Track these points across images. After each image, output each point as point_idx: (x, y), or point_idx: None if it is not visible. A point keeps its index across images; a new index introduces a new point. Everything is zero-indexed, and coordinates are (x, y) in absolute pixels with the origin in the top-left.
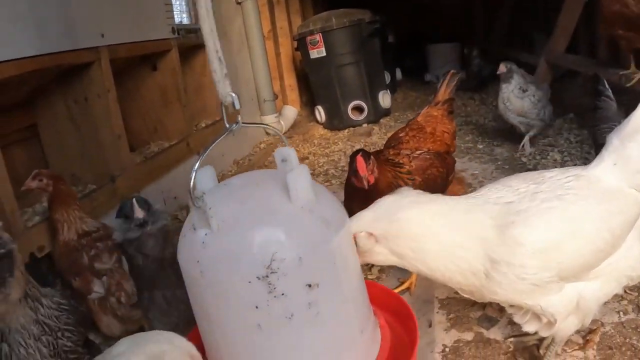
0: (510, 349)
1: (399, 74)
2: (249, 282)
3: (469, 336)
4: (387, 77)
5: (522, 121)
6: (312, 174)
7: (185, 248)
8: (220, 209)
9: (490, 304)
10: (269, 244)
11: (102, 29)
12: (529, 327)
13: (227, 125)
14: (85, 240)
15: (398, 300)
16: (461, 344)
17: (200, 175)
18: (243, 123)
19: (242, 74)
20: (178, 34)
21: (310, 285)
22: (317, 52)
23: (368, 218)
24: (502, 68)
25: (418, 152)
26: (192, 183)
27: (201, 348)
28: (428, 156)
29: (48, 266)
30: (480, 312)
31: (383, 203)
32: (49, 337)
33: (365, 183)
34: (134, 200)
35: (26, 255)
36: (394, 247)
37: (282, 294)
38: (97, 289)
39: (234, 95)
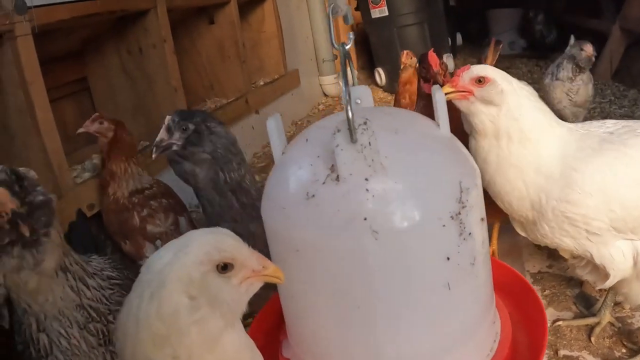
0: (616, 332)
1: (459, 38)
2: (443, 225)
3: (567, 315)
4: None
5: (576, 112)
6: None
7: (329, 208)
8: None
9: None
10: (454, 173)
11: None
12: (589, 277)
13: (335, 45)
14: (137, 198)
15: (516, 279)
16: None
17: (272, 124)
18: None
19: (300, 31)
20: None
21: (483, 219)
22: (379, 11)
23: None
24: (589, 50)
25: None
26: (349, 113)
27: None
28: None
29: (98, 227)
30: (577, 289)
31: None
32: (97, 324)
33: (439, 79)
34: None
35: (73, 211)
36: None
37: (470, 234)
38: (150, 254)
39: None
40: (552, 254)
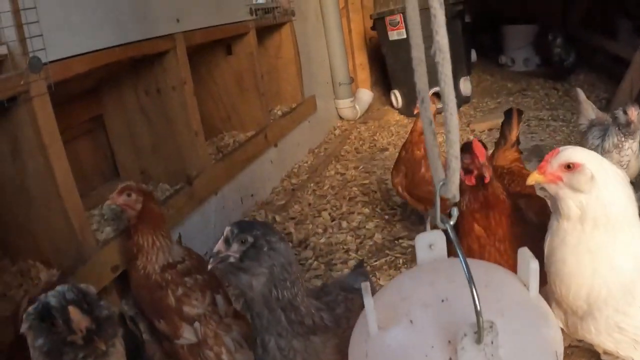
0: None
1: (474, 55)
2: None
3: None
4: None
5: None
6: None
7: None
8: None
9: None
10: (551, 344)
11: (177, 14)
12: None
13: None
14: (170, 274)
15: None
16: None
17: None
18: None
19: (316, 54)
20: (256, 14)
21: None
22: (397, 33)
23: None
24: (634, 114)
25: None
26: (480, 321)
27: None
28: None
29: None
30: None
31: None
32: None
33: (485, 172)
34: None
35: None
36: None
37: None
38: (187, 335)
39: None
40: None
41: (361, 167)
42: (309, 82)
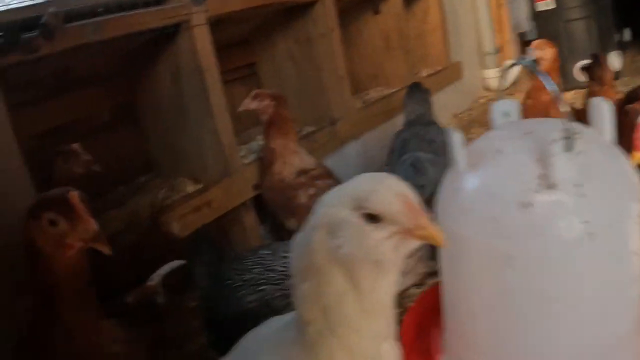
0: None
1: (627, 34)
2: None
3: None
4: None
5: None
6: None
7: (545, 215)
8: None
9: None
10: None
11: None
12: None
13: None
14: (304, 177)
15: None
16: None
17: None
18: None
19: (464, 22)
20: None
21: None
22: (545, 4)
23: None
24: None
25: None
26: (567, 123)
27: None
28: None
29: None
30: None
31: None
32: None
33: None
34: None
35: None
36: None
37: None
38: None
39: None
40: None
41: None
42: (455, 50)
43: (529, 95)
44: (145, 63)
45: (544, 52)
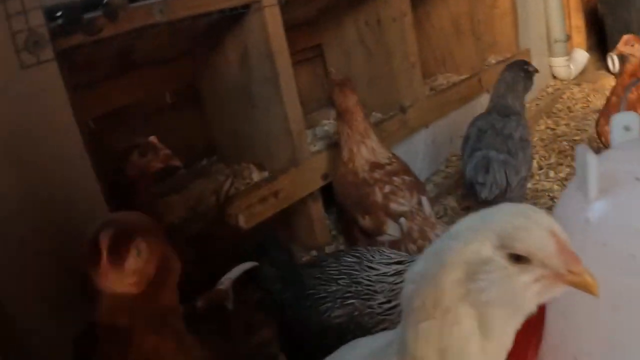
0: None
1: None
2: None
3: None
4: None
5: None
6: None
7: None
8: None
9: None
10: None
11: None
12: None
13: None
14: (378, 173)
15: None
16: None
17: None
18: None
19: (533, 8)
20: None
21: None
22: None
23: None
24: None
25: None
26: None
27: None
28: None
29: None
30: None
31: None
32: None
33: None
34: None
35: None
36: None
37: None
38: (391, 231)
39: None
40: None
41: (573, 124)
42: (524, 37)
43: (613, 92)
44: (212, 45)
45: (633, 48)
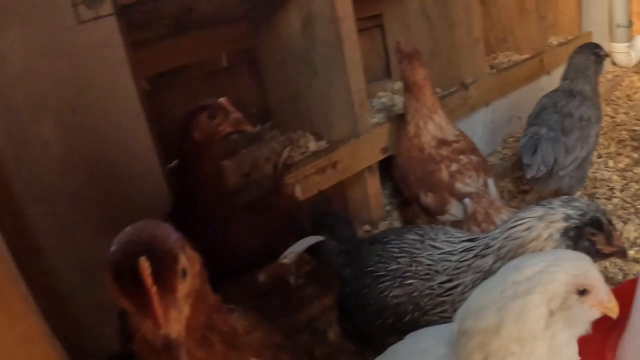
0: None
1: None
2: None
3: None
4: None
5: None
6: None
7: None
8: None
9: None
10: None
11: None
12: None
13: None
14: (445, 150)
15: None
16: None
17: None
18: None
19: None
20: None
21: None
22: None
23: None
24: None
25: None
26: None
27: None
28: None
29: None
30: None
31: None
32: None
33: None
34: None
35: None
36: None
37: None
38: (454, 212)
39: None
40: None
41: (632, 113)
42: (586, 19)
43: None
44: (274, 7)
45: None
